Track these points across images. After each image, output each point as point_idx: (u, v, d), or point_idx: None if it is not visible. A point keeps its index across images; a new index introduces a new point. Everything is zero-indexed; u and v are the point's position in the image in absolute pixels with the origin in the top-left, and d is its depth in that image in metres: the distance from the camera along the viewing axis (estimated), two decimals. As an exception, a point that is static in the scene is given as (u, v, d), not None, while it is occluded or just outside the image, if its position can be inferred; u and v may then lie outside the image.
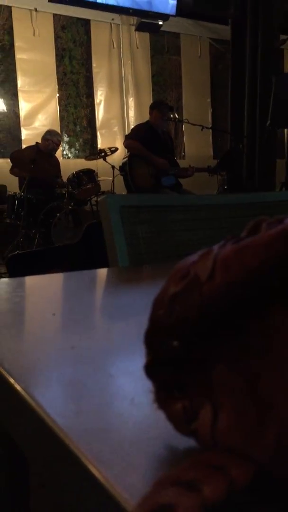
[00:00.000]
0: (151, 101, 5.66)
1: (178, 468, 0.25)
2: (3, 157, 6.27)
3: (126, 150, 4.71)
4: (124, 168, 4.54)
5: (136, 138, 4.52)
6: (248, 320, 0.29)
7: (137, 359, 0.47)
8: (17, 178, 4.89)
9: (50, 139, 5.03)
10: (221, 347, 0.30)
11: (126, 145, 4.68)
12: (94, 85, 6.96)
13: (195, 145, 7.48)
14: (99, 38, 6.84)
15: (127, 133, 5.47)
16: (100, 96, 6.97)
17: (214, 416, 0.29)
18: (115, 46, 6.88)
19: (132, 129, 5.06)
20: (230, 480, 0.24)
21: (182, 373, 0.31)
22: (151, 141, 4.52)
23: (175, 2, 5.98)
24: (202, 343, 0.30)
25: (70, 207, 4.59)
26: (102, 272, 0.99)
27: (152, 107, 4.78)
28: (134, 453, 0.30)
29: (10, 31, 6.41)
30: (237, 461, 0.25)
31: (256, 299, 0.29)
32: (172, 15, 6.13)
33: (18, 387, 0.40)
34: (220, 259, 0.29)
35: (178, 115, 5.76)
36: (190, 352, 0.30)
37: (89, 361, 0.47)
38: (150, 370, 0.32)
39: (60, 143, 5.30)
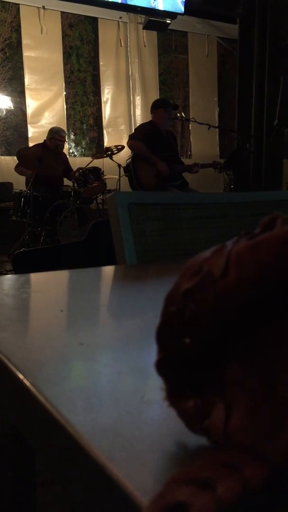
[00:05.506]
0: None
1: (192, 466, 0.25)
2: (9, 154, 6.29)
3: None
4: (128, 169, 4.52)
5: (140, 138, 4.48)
6: (262, 318, 0.29)
7: (146, 357, 0.47)
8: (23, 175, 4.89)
9: (52, 137, 5.02)
10: (235, 346, 0.29)
11: (130, 145, 4.63)
12: (101, 83, 6.96)
13: (202, 144, 7.47)
14: (107, 36, 6.83)
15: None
16: (107, 94, 6.96)
17: (227, 415, 0.28)
18: (122, 44, 6.87)
19: (136, 129, 5.01)
20: (244, 479, 0.24)
21: (194, 371, 0.31)
22: (155, 140, 4.49)
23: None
24: (215, 341, 0.30)
25: (76, 205, 4.59)
26: (110, 270, 0.99)
27: (156, 107, 4.66)
28: (145, 451, 0.29)
29: (17, 29, 6.43)
30: (252, 460, 0.25)
31: (271, 296, 0.28)
32: (180, 14, 6.10)
33: (27, 383, 0.39)
34: (234, 255, 0.29)
35: (184, 114, 5.73)
36: (203, 349, 0.30)
37: (98, 358, 0.47)
38: (162, 367, 0.31)
39: (64, 138, 5.25)
